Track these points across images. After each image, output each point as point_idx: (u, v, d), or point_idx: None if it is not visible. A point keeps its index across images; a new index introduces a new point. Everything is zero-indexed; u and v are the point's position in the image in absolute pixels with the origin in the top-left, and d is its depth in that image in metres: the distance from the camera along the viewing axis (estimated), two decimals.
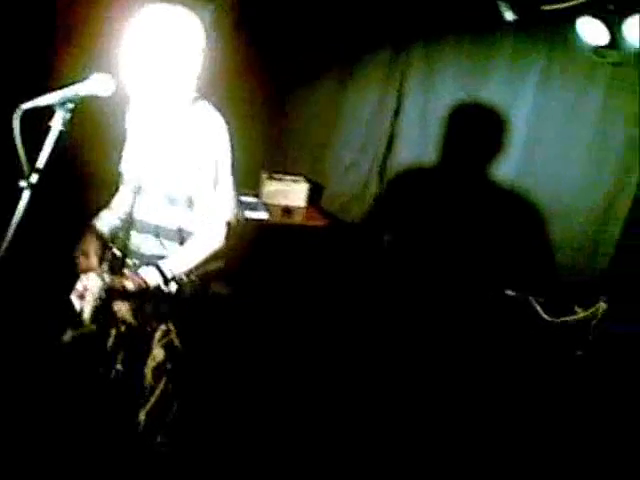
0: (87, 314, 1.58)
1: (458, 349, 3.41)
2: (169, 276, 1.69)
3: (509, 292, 3.59)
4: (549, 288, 3.48)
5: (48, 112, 1.44)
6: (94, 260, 1.77)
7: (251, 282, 2.03)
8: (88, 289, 1.60)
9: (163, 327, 1.78)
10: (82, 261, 1.78)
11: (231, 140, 1.76)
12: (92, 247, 1.81)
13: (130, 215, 1.81)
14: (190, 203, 1.77)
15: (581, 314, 3.37)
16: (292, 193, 3.98)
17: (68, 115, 1.44)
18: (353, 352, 3.26)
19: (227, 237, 1.77)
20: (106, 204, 1.97)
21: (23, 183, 1.39)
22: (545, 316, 3.47)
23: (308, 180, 4.13)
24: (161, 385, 1.79)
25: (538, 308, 3.50)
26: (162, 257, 1.75)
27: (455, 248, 3.67)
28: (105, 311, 1.59)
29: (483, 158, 3.54)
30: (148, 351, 1.78)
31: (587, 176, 3.28)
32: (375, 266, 3.81)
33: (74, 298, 1.65)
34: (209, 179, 1.73)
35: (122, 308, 1.62)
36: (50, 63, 2.53)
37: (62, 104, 1.43)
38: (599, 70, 3.13)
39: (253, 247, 3.00)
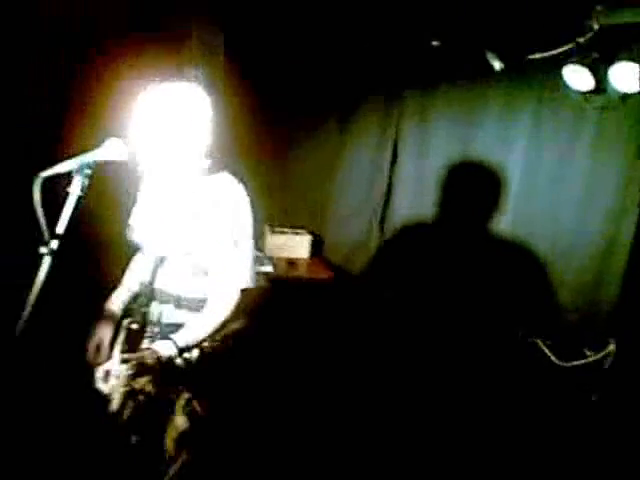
0: (116, 400, 1.54)
1: (468, 397, 3.33)
2: (184, 347, 1.66)
3: (519, 332, 3.54)
4: (556, 331, 3.45)
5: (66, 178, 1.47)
6: (105, 353, 1.75)
7: (258, 336, 1.97)
8: (112, 374, 1.58)
9: (185, 395, 1.73)
10: (93, 354, 1.79)
11: (253, 209, 1.78)
12: (104, 337, 1.82)
13: (150, 285, 1.79)
14: (206, 270, 1.77)
15: (591, 357, 3.33)
16: (295, 245, 4.03)
17: (86, 181, 1.47)
18: (358, 404, 3.18)
19: (239, 302, 1.75)
20: (118, 280, 1.95)
21: (43, 249, 1.40)
22: (555, 360, 3.42)
23: (310, 232, 4.18)
24: (183, 455, 1.72)
25: (547, 352, 3.46)
26: (182, 325, 1.73)
27: (458, 298, 3.65)
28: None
29: (480, 206, 3.58)
30: (168, 420, 1.72)
31: (583, 218, 3.31)
32: (378, 320, 3.78)
33: (100, 384, 1.62)
34: (228, 246, 1.74)
35: (141, 380, 1.57)
36: (64, 131, 2.61)
37: (80, 170, 1.47)
38: (588, 114, 3.20)
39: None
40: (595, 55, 2.92)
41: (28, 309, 1.40)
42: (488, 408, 3.24)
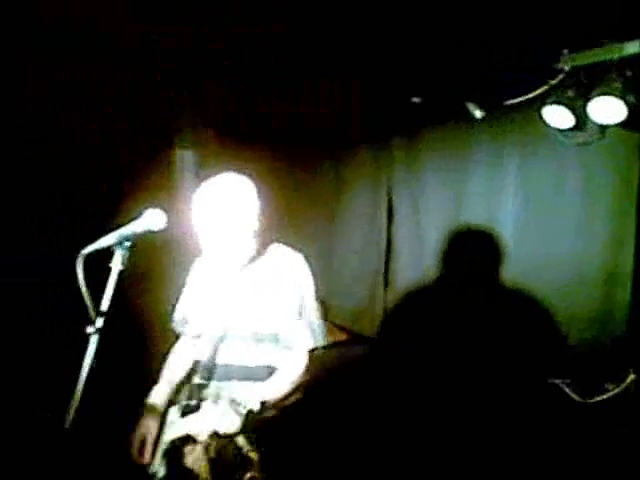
0: (157, 462, 1.44)
1: (496, 449, 3.21)
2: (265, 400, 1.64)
3: (535, 379, 3.48)
4: (574, 369, 3.40)
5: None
6: (150, 449, 1.69)
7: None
8: (147, 435, 1.48)
9: (249, 474, 1.62)
10: (137, 451, 1.75)
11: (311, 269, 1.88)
12: (147, 432, 1.77)
13: (211, 364, 1.79)
14: (276, 339, 1.80)
15: (613, 390, 3.27)
16: None
17: (127, 254, 1.47)
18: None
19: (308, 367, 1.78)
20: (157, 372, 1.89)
21: (90, 329, 1.37)
22: (577, 398, 3.35)
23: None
24: None
25: (567, 390, 3.39)
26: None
27: (470, 350, 3.60)
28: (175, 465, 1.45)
29: (479, 257, 3.61)
30: None
31: (581, 253, 3.33)
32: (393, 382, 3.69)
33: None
34: (294, 312, 1.80)
35: (196, 464, 1.48)
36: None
37: (120, 243, 1.47)
38: (572, 151, 3.31)
39: None
40: (571, 93, 3.06)
41: (78, 392, 1.36)
42: (517, 457, 3.13)
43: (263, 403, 1.65)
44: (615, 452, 3.06)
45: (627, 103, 2.79)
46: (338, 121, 3.64)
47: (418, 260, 3.79)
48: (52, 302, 2.40)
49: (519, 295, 3.48)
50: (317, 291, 1.88)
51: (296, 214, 4.11)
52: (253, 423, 1.62)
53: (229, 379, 1.79)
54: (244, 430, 1.60)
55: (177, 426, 1.69)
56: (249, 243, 1.84)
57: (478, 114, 3.43)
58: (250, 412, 1.58)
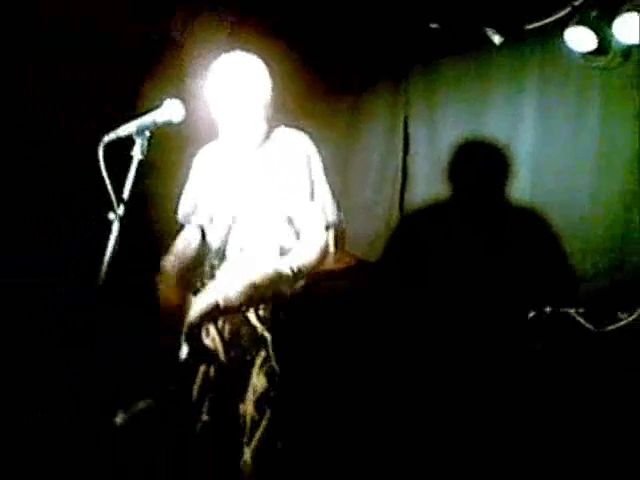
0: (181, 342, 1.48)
1: (507, 375, 3.25)
2: (294, 267, 1.68)
3: (547, 309, 3.50)
4: (586, 297, 3.42)
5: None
6: (172, 294, 1.69)
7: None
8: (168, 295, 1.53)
9: (263, 353, 1.67)
10: (162, 298, 1.76)
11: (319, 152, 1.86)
12: (167, 282, 1.77)
13: (222, 249, 1.82)
14: (289, 220, 1.81)
15: (626, 319, 3.29)
16: None
17: (146, 143, 1.48)
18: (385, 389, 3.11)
19: (333, 245, 1.77)
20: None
21: (112, 215, 1.40)
22: (590, 327, 3.38)
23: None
24: (266, 417, 1.65)
25: (581, 320, 3.41)
26: None
27: (482, 275, 3.61)
28: (196, 342, 1.50)
29: (495, 183, 3.57)
30: (244, 387, 1.64)
31: (599, 182, 3.30)
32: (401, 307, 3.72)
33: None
34: (304, 193, 1.80)
35: (213, 343, 1.53)
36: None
37: (140, 132, 1.47)
38: (593, 76, 3.24)
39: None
40: (595, 13, 2.97)
41: (101, 276, 1.40)
42: (530, 388, 3.17)
43: (294, 270, 1.68)
44: (629, 381, 3.09)
45: None
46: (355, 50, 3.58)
47: (434, 190, 3.77)
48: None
49: (534, 224, 3.47)
50: (326, 170, 1.89)
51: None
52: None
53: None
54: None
55: (193, 308, 1.71)
56: (260, 124, 1.85)
57: (497, 40, 3.34)
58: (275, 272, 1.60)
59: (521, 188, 3.52)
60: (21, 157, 2.72)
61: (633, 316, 3.27)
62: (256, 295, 1.61)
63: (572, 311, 3.43)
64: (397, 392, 3.11)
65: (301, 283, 1.80)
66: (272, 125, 1.89)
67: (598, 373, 3.14)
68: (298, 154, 1.83)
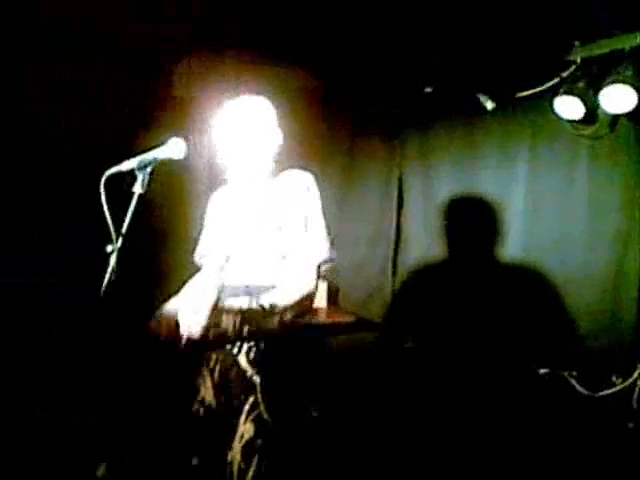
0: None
1: (500, 438, 3.18)
2: (266, 305, 1.65)
3: (542, 370, 3.47)
4: (579, 360, 3.39)
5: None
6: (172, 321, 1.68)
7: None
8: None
9: (251, 399, 1.64)
10: (163, 323, 1.74)
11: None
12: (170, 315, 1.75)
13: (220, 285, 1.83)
14: (283, 255, 1.82)
15: (620, 384, 3.25)
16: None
17: (147, 178, 1.52)
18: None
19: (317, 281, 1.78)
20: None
21: (109, 248, 1.43)
22: (583, 391, 3.33)
23: (325, 280, 4.09)
24: (253, 465, 1.59)
25: (574, 383, 3.37)
26: None
27: (477, 335, 3.59)
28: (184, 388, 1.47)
29: (488, 241, 3.62)
30: (232, 431, 1.60)
31: (591, 243, 3.35)
32: (399, 366, 3.68)
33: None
34: (300, 230, 1.82)
35: (204, 387, 1.50)
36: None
37: (142, 168, 1.52)
38: (582, 143, 3.35)
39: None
40: (582, 84, 3.11)
41: (99, 309, 1.42)
42: (522, 447, 3.10)
43: (271, 305, 1.67)
44: (622, 446, 3.02)
45: (638, 91, 2.83)
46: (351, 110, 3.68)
47: (427, 249, 3.82)
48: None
49: (527, 286, 3.50)
50: (324, 209, 1.89)
51: None
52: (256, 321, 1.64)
53: (237, 296, 1.81)
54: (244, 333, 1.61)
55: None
56: (268, 165, 1.91)
57: (489, 105, 3.48)
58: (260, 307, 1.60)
59: (513, 253, 3.57)
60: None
61: (628, 381, 3.23)
62: (219, 331, 1.60)
63: (566, 374, 3.40)
64: (390, 444, 3.04)
65: (277, 318, 1.77)
66: (280, 167, 1.95)
67: (591, 437, 3.08)
68: (297, 187, 1.86)
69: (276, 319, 1.71)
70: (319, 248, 1.82)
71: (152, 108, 3.06)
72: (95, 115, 2.92)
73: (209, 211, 2.09)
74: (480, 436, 3.20)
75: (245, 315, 1.65)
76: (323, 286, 4.00)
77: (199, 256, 2.06)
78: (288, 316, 1.72)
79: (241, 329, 1.62)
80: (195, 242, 2.05)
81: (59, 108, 2.86)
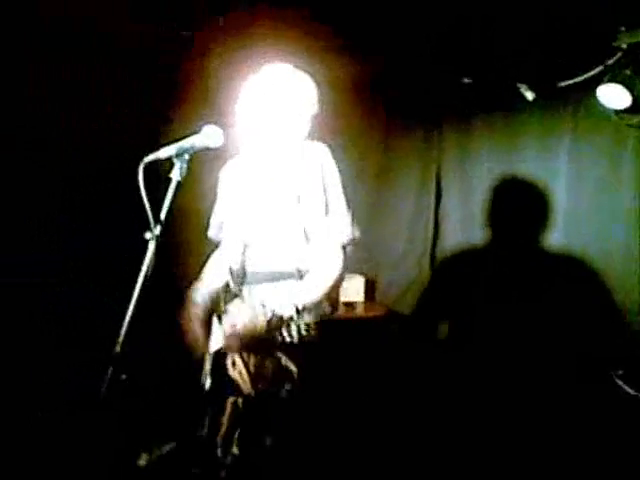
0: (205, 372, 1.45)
1: (544, 439, 3.08)
2: (299, 305, 1.57)
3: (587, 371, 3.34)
4: (627, 356, 3.26)
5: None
6: (199, 327, 1.67)
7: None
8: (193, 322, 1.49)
9: (287, 387, 1.63)
10: (188, 330, 1.73)
11: (337, 164, 1.77)
12: (196, 313, 1.77)
13: (242, 270, 1.76)
14: (306, 236, 1.73)
15: None
16: (349, 289, 3.88)
17: (185, 166, 1.50)
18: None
19: (346, 262, 1.70)
20: (196, 275, 1.91)
21: (149, 235, 1.43)
22: (631, 391, 3.21)
23: (364, 275, 4.07)
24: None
25: (621, 383, 3.25)
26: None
27: (518, 326, 3.50)
28: (220, 375, 1.46)
29: (529, 231, 3.54)
30: (273, 419, 1.59)
31: (632, 235, 3.22)
32: (434, 356, 3.62)
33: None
34: (319, 205, 1.72)
35: (240, 376, 1.49)
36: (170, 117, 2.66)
37: (179, 155, 1.50)
38: (627, 133, 3.22)
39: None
40: (628, 72, 2.99)
41: (136, 295, 1.40)
42: (566, 452, 3.00)
43: (298, 309, 1.60)
44: None
45: None
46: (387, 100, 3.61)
47: (465, 242, 3.75)
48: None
49: (569, 280, 3.39)
50: (343, 183, 1.77)
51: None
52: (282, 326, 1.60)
53: (259, 282, 1.75)
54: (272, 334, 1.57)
55: (217, 336, 1.66)
56: (294, 137, 1.78)
57: (529, 96, 3.39)
58: (275, 316, 1.54)
59: (556, 246, 3.46)
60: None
61: None
62: (257, 340, 1.55)
63: (612, 374, 3.28)
64: (426, 437, 3.03)
65: (330, 308, 1.73)
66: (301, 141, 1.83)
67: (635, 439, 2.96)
68: (312, 165, 1.74)
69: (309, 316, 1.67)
70: (342, 228, 1.71)
71: (183, 94, 3.02)
72: (126, 106, 2.92)
73: (222, 183, 1.97)
74: (518, 436, 3.10)
75: (280, 323, 1.57)
76: (360, 280, 4.00)
77: (214, 232, 1.98)
78: (325, 310, 1.68)
79: (277, 335, 1.58)
80: (208, 218, 1.98)
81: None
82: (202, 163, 1.68)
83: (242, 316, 1.52)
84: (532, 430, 3.13)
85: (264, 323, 1.51)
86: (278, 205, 1.75)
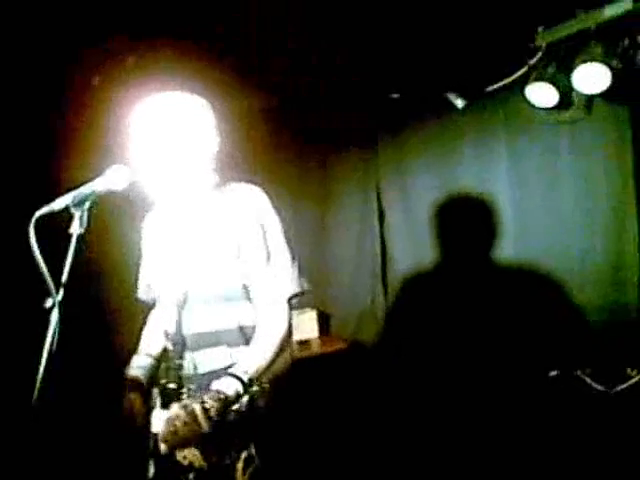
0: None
1: (518, 444, 2.98)
2: (247, 380, 1.41)
3: (552, 373, 3.30)
4: (591, 356, 3.22)
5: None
6: (140, 419, 1.50)
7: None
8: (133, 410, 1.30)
9: (244, 454, 1.44)
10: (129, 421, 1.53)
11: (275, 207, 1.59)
12: (135, 403, 1.57)
13: (179, 333, 1.54)
14: (247, 292, 1.55)
15: (635, 377, 3.09)
16: (302, 325, 3.69)
17: (86, 215, 1.30)
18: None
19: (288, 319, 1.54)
20: (134, 346, 1.69)
21: (49, 302, 1.21)
22: (598, 387, 3.16)
23: (315, 308, 3.89)
24: None
25: (588, 380, 3.20)
26: (228, 367, 1.48)
27: (478, 342, 3.42)
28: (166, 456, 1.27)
29: (478, 243, 3.48)
30: None
31: (584, 229, 3.20)
32: (397, 385, 3.49)
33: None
34: (260, 254, 1.53)
35: (188, 453, 1.29)
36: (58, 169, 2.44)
37: (78, 204, 1.30)
38: (560, 130, 3.23)
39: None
40: (551, 69, 3.00)
41: (41, 371, 1.18)
42: (540, 451, 2.92)
43: (245, 383, 1.41)
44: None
45: (611, 68, 2.71)
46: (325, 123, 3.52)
47: (416, 261, 3.66)
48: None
49: (526, 285, 3.34)
50: (286, 231, 1.60)
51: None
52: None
53: (201, 348, 1.55)
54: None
55: (158, 418, 1.46)
56: (206, 178, 1.59)
57: (460, 103, 3.36)
58: (219, 401, 1.35)
59: (505, 246, 3.41)
60: None
61: None
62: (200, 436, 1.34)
63: (579, 372, 3.24)
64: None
65: (285, 359, 1.56)
66: (223, 180, 1.64)
67: (609, 435, 2.90)
68: (249, 211, 1.55)
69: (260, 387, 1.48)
70: (287, 281, 1.54)
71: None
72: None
73: (145, 238, 1.77)
74: (494, 444, 3.03)
75: (228, 403, 1.38)
76: (313, 315, 3.80)
77: (143, 292, 1.78)
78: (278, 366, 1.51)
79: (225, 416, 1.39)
80: (136, 277, 1.78)
81: None
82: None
83: (181, 419, 1.31)
84: (504, 436, 3.04)
85: (206, 422, 1.31)
86: (213, 258, 1.56)
